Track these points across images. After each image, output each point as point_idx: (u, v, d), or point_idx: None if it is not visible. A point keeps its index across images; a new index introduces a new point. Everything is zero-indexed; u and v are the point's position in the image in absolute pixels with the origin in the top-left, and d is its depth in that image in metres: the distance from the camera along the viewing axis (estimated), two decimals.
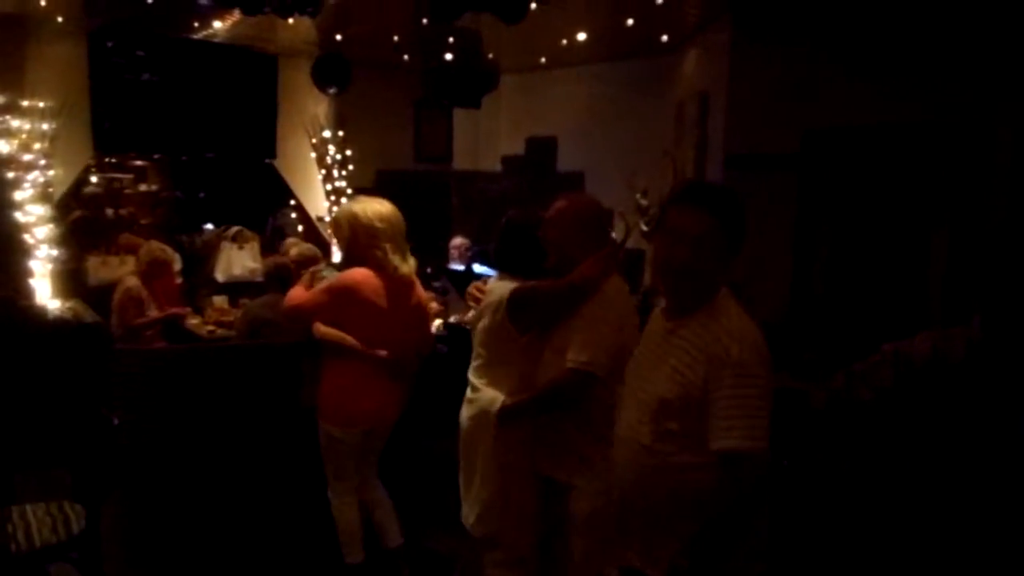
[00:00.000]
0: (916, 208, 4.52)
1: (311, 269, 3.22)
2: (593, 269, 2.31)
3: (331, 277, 3.13)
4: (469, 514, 2.50)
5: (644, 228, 5.66)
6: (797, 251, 4.77)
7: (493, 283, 2.59)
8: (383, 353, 2.97)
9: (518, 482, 2.43)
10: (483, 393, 2.46)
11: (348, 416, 2.97)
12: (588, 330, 2.25)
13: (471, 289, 2.63)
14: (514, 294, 2.40)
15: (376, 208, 2.96)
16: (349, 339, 2.91)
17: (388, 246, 2.94)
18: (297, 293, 3.07)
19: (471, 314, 2.64)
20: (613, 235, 5.87)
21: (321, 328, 2.93)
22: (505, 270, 2.58)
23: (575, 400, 2.29)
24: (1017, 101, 4.09)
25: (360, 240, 2.93)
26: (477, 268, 5.27)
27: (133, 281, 4.83)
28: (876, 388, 1.75)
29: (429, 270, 6.22)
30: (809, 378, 3.49)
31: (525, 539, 2.47)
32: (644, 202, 5.65)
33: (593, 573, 2.30)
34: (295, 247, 5.04)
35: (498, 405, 2.40)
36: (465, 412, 2.53)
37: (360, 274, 2.91)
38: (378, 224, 2.92)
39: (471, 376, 2.56)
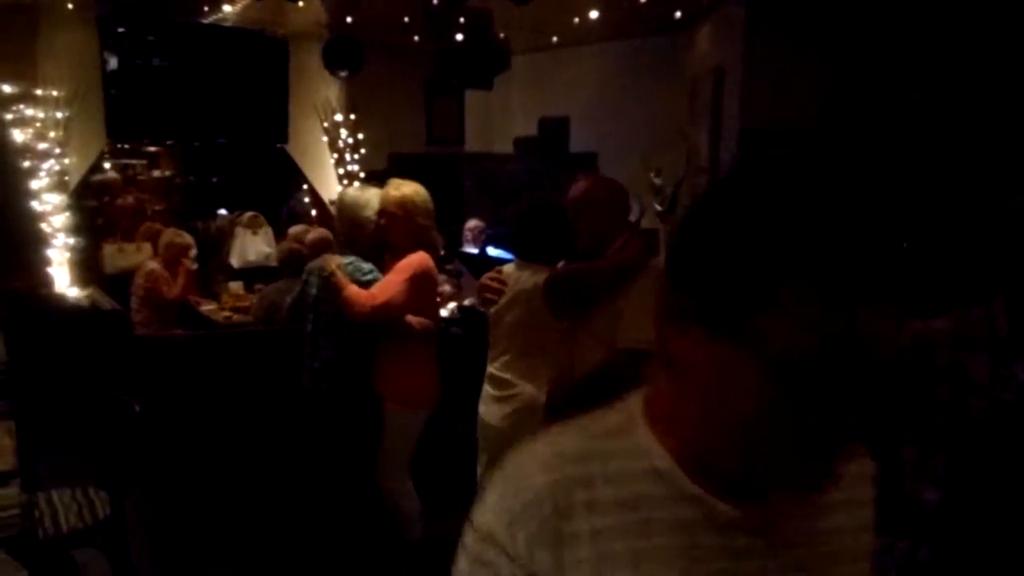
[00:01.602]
0: (935, 186, 4.47)
1: (335, 264, 2.97)
2: (639, 249, 2.31)
3: (373, 269, 2.99)
4: None
5: (658, 208, 5.63)
6: None
7: (513, 271, 2.51)
8: (431, 329, 3.04)
9: None
10: (521, 388, 2.40)
11: (435, 396, 3.02)
12: (639, 310, 2.21)
13: (487, 281, 2.53)
14: (553, 280, 2.34)
15: (424, 191, 2.98)
16: (432, 325, 2.96)
17: (435, 226, 3.01)
18: (364, 292, 2.88)
19: (492, 308, 2.52)
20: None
21: (414, 319, 2.90)
22: (528, 258, 2.49)
23: (630, 381, 2.21)
24: None
25: (419, 222, 2.93)
26: (491, 251, 5.26)
27: (154, 264, 4.89)
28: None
29: (443, 252, 6.21)
30: None
31: None
32: (658, 182, 5.62)
33: None
34: (312, 232, 5.04)
35: (543, 398, 2.35)
36: (498, 411, 2.45)
37: (426, 257, 2.94)
38: (431, 206, 2.97)
39: (499, 371, 2.48)
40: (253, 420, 3.80)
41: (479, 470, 2.56)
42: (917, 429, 1.71)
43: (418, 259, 2.90)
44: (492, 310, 2.49)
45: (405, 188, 2.96)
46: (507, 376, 2.45)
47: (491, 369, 2.51)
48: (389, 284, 2.87)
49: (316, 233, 4.89)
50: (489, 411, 2.48)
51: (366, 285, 2.90)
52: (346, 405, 2.98)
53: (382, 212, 2.93)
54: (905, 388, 1.72)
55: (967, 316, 1.67)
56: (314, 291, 3.05)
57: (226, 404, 3.85)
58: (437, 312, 3.04)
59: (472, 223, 6.00)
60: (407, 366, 2.96)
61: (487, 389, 2.52)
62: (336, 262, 2.94)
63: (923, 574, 1.66)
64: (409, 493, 3.06)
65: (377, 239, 2.99)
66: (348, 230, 3.04)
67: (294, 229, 5.60)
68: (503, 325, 2.47)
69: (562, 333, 2.36)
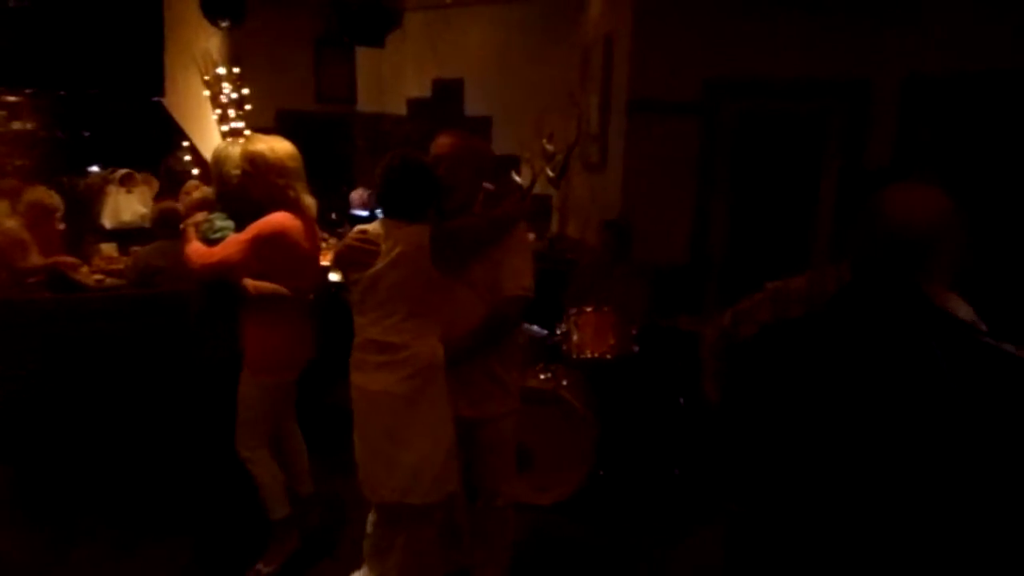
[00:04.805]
0: (808, 156, 4.73)
1: (191, 222, 2.91)
2: (517, 205, 2.59)
3: (227, 227, 2.85)
4: (412, 485, 2.34)
5: (550, 174, 5.69)
6: (698, 196, 4.90)
7: (380, 230, 2.39)
8: (310, 296, 2.96)
9: (453, 431, 2.43)
10: (416, 349, 2.35)
11: (286, 364, 2.91)
12: (518, 259, 2.45)
13: (353, 243, 2.40)
14: (441, 236, 2.37)
15: (284, 146, 2.82)
16: (282, 289, 2.79)
17: (299, 185, 2.84)
18: (201, 249, 2.78)
19: (368, 272, 2.38)
20: (519, 180, 5.89)
21: (252, 283, 2.75)
22: (400, 216, 2.40)
23: (517, 325, 2.55)
24: (896, 54, 4.31)
25: (272, 181, 2.76)
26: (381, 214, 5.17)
27: (11, 223, 4.49)
28: (758, 323, 1.84)
29: (334, 216, 6.08)
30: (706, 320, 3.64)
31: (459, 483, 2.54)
32: (550, 147, 5.67)
33: (507, 484, 2.62)
34: (198, 190, 4.75)
35: (441, 354, 2.37)
36: (389, 377, 2.35)
37: (283, 217, 2.76)
38: (289, 163, 2.80)
39: (383, 336, 2.36)
40: (124, 388, 3.62)
41: (357, 443, 2.43)
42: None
43: (268, 220, 2.74)
44: (367, 274, 2.36)
45: (260, 144, 2.80)
46: (396, 340, 2.34)
47: (371, 336, 2.37)
48: (228, 243, 2.75)
49: (203, 191, 4.61)
50: (374, 379, 2.36)
51: (213, 243, 2.78)
52: (217, 364, 2.91)
53: (239, 168, 2.81)
54: (767, 344, 1.83)
55: (821, 274, 1.79)
56: None
57: (96, 372, 3.65)
58: (295, 277, 2.84)
59: (357, 192, 5.89)
60: (258, 332, 2.84)
61: (364, 358, 2.39)
62: (198, 218, 2.88)
63: None
64: (267, 464, 2.94)
65: (241, 196, 2.85)
66: (217, 186, 2.96)
67: (189, 184, 5.28)
68: (382, 288, 2.36)
69: (441, 290, 2.43)
